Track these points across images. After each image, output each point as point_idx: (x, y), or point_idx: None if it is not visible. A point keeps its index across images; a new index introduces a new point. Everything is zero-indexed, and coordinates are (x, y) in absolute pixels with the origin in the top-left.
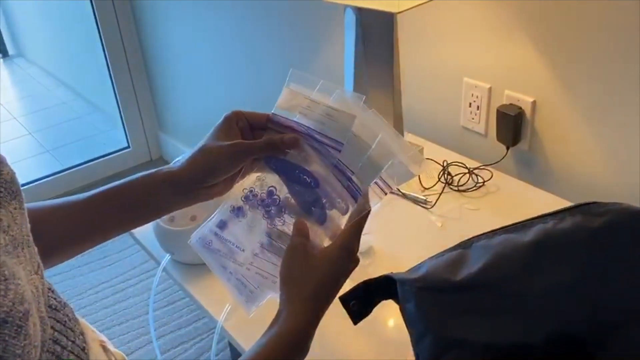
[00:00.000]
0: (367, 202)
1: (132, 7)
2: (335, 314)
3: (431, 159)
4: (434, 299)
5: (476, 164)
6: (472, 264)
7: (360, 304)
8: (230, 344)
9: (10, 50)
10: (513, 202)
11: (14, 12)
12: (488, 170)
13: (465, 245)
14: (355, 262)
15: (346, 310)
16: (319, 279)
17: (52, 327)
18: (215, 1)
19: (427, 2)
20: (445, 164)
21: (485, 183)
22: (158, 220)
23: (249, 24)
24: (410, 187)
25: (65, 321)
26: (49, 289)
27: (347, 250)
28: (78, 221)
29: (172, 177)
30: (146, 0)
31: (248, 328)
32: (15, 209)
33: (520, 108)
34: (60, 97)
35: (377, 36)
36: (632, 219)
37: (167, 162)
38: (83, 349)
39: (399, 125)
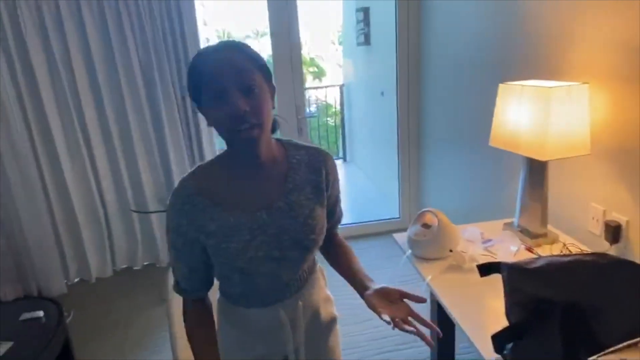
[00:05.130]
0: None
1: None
2: None
3: (561, 241)
4: (517, 273)
5: (585, 248)
6: (539, 262)
7: (485, 270)
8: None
9: (348, 157)
10: None
11: (352, 134)
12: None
13: (538, 257)
14: None
15: (484, 271)
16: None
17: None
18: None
19: (564, 158)
20: (565, 243)
21: None
22: (410, 232)
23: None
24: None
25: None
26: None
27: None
28: (344, 267)
29: (365, 292)
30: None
31: (445, 287)
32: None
33: (619, 223)
34: (366, 187)
35: (537, 171)
36: (620, 262)
37: None
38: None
39: (544, 222)
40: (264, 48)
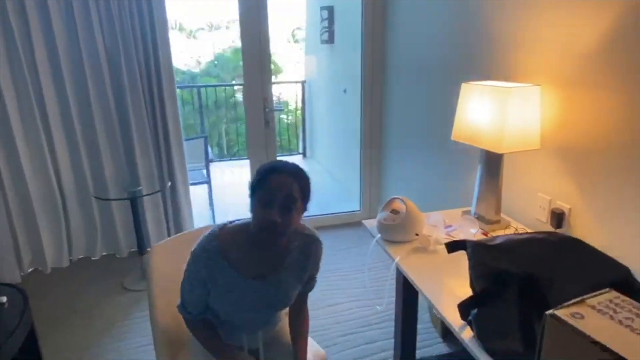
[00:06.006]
0: None
1: (380, 127)
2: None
3: (513, 227)
4: (480, 248)
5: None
6: (499, 240)
7: (452, 247)
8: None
9: (308, 153)
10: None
11: (313, 130)
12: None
13: (498, 235)
14: None
15: (451, 248)
16: None
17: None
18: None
19: (517, 151)
20: (516, 229)
21: None
22: (380, 218)
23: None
24: None
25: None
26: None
27: None
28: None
29: None
30: (389, 124)
31: (412, 267)
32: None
33: (563, 210)
34: (326, 181)
35: (494, 164)
36: (568, 239)
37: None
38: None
39: (498, 210)
40: (217, 41)
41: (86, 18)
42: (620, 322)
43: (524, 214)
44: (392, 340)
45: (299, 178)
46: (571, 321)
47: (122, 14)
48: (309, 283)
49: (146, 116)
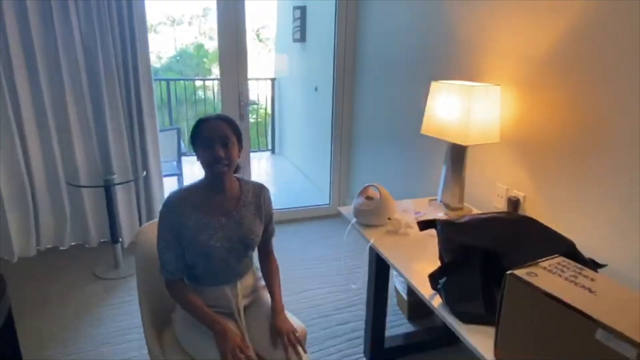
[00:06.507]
0: None
1: (350, 127)
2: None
3: (477, 211)
4: (448, 226)
5: None
6: (465, 219)
7: (424, 225)
8: (370, 250)
9: (277, 150)
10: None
11: (282, 127)
12: None
13: (465, 215)
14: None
15: (423, 226)
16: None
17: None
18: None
19: (481, 144)
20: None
21: None
22: (355, 203)
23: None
24: None
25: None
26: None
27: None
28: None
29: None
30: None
31: (385, 247)
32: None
33: (518, 198)
34: (295, 177)
35: (459, 156)
36: (523, 218)
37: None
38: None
39: (461, 199)
40: (179, 36)
41: (63, 5)
42: (566, 279)
43: (485, 201)
44: (363, 322)
45: (226, 120)
46: (527, 278)
47: (99, 3)
48: (269, 228)
49: (121, 106)
